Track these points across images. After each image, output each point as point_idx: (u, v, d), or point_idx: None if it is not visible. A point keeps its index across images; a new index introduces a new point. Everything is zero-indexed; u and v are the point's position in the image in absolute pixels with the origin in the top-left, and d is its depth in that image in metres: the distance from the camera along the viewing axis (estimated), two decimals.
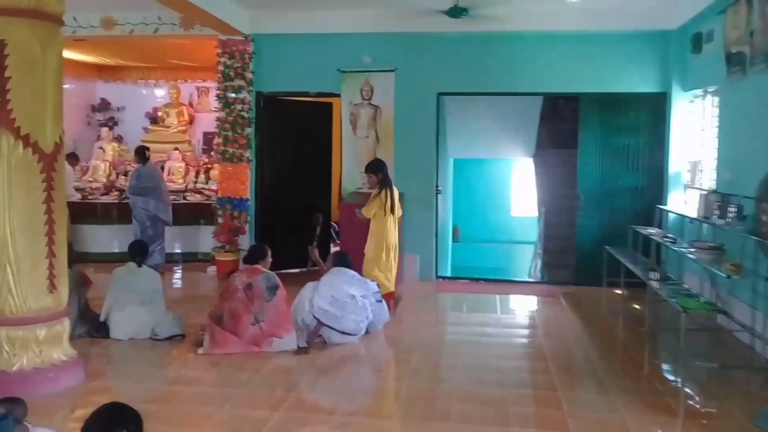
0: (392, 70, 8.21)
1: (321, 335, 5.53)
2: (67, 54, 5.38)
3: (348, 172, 8.45)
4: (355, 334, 5.61)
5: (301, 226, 8.55)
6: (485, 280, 8.75)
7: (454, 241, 13.30)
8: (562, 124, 10.11)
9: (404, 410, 4.25)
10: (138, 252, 5.97)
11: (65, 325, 4.62)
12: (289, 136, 8.87)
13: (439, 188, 8.61)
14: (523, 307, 7.61)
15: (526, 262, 12.10)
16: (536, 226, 11.94)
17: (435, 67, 8.24)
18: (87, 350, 5.17)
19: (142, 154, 8.68)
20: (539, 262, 10.95)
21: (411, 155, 8.24)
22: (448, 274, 9.51)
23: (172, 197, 9.17)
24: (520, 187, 14.83)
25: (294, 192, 8.85)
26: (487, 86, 8.29)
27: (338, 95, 8.45)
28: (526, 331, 6.53)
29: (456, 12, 7.46)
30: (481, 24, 7.81)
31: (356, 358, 5.41)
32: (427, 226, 8.36)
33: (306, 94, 8.75)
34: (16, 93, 4.28)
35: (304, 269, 7.69)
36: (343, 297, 5.52)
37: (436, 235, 8.51)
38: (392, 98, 8.25)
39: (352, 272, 5.82)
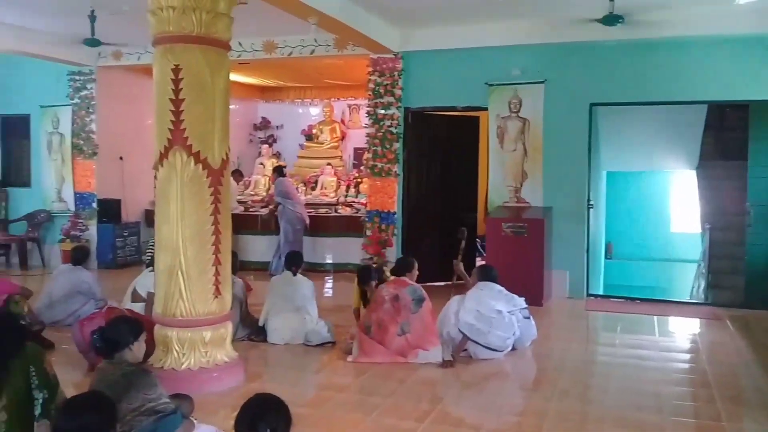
0: (542, 82, 8.04)
1: (466, 350, 5.50)
2: (233, 77, 5.85)
3: (494, 185, 8.36)
4: (501, 350, 5.52)
5: (447, 240, 8.58)
6: (641, 299, 8.27)
7: (607, 257, 12.69)
8: (730, 133, 9.37)
9: (552, 431, 4.11)
10: (294, 261, 6.29)
11: (228, 329, 4.94)
12: (436, 151, 8.97)
13: (591, 202, 8.28)
14: (683, 329, 7.10)
15: (687, 282, 11.25)
16: (699, 244, 11.09)
17: (587, 77, 7.96)
18: (247, 353, 5.51)
19: (280, 171, 9.76)
20: (703, 282, 10.15)
21: (561, 168, 8.00)
22: (600, 292, 9.08)
23: (323, 210, 9.64)
24: (680, 202, 13.88)
25: (440, 206, 8.93)
26: (645, 95, 7.85)
27: (485, 109, 8.41)
28: (687, 356, 6.08)
29: (611, 20, 7.14)
30: (638, 31, 7.42)
31: (502, 375, 5.32)
32: (578, 242, 8.06)
33: (453, 109, 8.79)
34: (188, 114, 4.64)
35: (450, 283, 7.69)
36: (489, 312, 5.45)
37: (587, 251, 8.18)
38: (541, 110, 8.07)
39: (499, 287, 5.73)
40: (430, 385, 4.93)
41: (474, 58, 8.35)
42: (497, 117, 8.30)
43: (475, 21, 8.02)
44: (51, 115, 10.45)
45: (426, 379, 5.02)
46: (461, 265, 6.36)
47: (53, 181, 10.56)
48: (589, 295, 8.17)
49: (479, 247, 9.99)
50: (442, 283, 8.19)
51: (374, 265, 7.11)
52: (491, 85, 8.26)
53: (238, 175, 10.60)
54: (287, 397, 2.51)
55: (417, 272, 5.74)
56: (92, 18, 7.46)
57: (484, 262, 7.55)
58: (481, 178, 9.20)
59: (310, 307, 6.03)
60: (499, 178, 8.30)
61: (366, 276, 6.14)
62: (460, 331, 5.43)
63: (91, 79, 10.13)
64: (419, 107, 8.77)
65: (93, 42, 7.86)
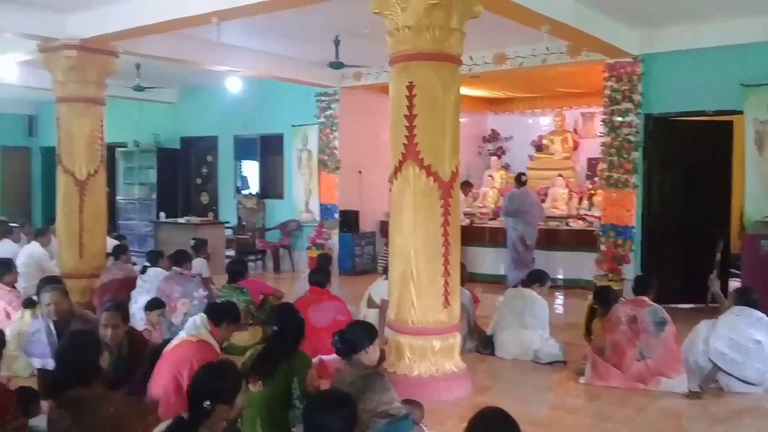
0: None
1: (717, 381, 4.93)
2: (463, 90, 5.92)
3: (752, 198, 7.42)
4: (759, 385, 4.86)
5: (692, 258, 7.82)
6: None
7: None
8: None
9: None
10: (535, 280, 6.19)
11: (457, 339, 5.00)
12: (681, 160, 8.21)
13: None
14: None
15: None
16: None
17: None
18: (474, 365, 5.51)
19: (518, 178, 9.36)
20: None
21: None
22: None
23: (554, 223, 9.30)
24: None
25: (685, 219, 8.14)
26: None
27: (740, 112, 7.52)
28: None
29: None
30: None
31: (759, 412, 4.67)
32: None
33: (702, 114, 7.99)
34: (421, 129, 4.80)
35: (699, 305, 6.99)
36: (746, 341, 4.82)
37: None
38: None
39: (759, 313, 5.04)
40: (673, 417, 4.51)
41: (726, 57, 7.53)
42: (755, 121, 7.36)
43: (725, 16, 7.25)
44: (301, 134, 11.51)
45: (669, 410, 4.60)
46: (718, 283, 5.72)
47: (302, 193, 11.61)
48: None
49: (733, 267, 8.94)
50: (687, 305, 7.46)
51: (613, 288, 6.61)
52: (747, 86, 7.37)
53: (467, 186, 10.70)
54: (516, 413, 2.44)
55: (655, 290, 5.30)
56: (336, 42, 8.09)
57: (740, 284, 6.73)
58: (736, 189, 8.23)
59: (542, 324, 5.86)
60: (757, 190, 7.35)
61: (604, 297, 5.75)
62: (710, 360, 4.88)
63: (336, 99, 10.96)
64: (662, 113, 8.11)
65: (337, 65, 8.50)
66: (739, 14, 7.18)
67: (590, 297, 6.09)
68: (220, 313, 4.19)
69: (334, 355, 4.93)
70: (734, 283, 7.61)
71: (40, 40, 7.42)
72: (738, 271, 7.49)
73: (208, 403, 2.57)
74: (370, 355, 3.59)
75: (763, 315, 5.05)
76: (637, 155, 8.15)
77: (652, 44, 7.96)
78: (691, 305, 7.53)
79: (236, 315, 4.33)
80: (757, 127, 7.37)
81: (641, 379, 4.92)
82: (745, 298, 5.17)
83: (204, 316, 4.14)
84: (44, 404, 3.45)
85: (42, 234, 8.33)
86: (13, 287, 6.04)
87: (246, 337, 5.61)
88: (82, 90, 7.52)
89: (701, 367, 4.94)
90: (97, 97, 7.70)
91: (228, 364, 2.90)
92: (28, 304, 5.23)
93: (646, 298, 5.18)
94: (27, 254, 7.71)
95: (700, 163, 8.18)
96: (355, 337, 3.61)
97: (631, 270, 7.95)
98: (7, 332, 4.65)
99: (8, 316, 5.60)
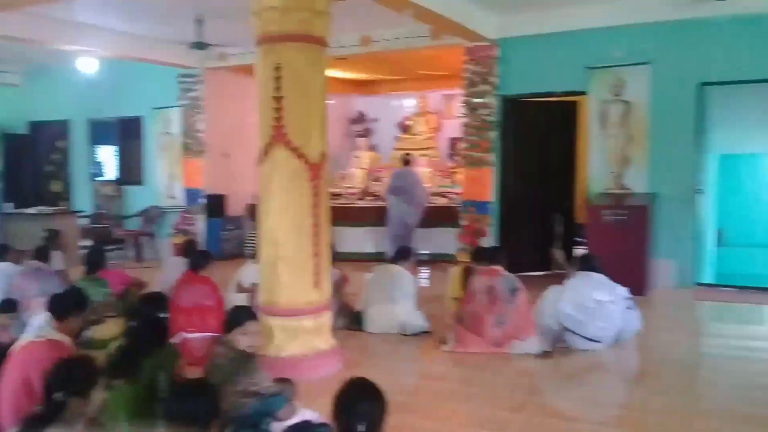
0: (646, 63, 7.70)
1: (565, 340, 5.41)
2: (330, 72, 5.97)
3: (595, 172, 8.10)
4: (601, 342, 5.38)
5: (544, 229, 8.44)
6: (754, 288, 7.79)
7: (718, 245, 12.02)
8: None
9: (658, 426, 3.96)
10: (402, 256, 6.42)
11: (328, 318, 5.10)
12: (532, 139, 8.79)
13: (699, 187, 7.87)
14: None
15: None
16: None
17: (697, 56, 7.52)
18: (345, 342, 5.64)
19: (403, 159, 9.74)
20: None
21: (667, 152, 7.64)
22: (710, 281, 8.63)
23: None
24: None
25: (537, 194, 8.76)
26: (762, 72, 7.35)
27: (585, 93, 8.16)
28: None
29: None
30: (752, 3, 6.96)
31: (603, 367, 5.19)
32: (685, 229, 7.67)
33: (551, 95, 8.59)
34: (289, 111, 4.81)
35: (548, 272, 7.56)
36: (589, 302, 5.32)
37: (695, 239, 7.79)
38: (646, 93, 7.72)
39: (600, 276, 5.57)
40: (527, 376, 4.90)
41: (573, 41, 8.11)
42: (598, 101, 8.04)
43: (573, 3, 7.77)
44: (162, 117, 11.08)
45: (523, 370, 4.98)
46: (560, 253, 6.23)
47: (164, 178, 11.21)
48: (697, 284, 7.78)
49: (579, 235, 9.74)
50: (540, 273, 8.05)
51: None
52: (592, 68, 8.00)
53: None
54: (384, 384, 2.57)
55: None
56: (199, 22, 7.85)
57: (584, 251, 7.37)
58: (580, 165, 8.95)
59: (409, 297, 6.10)
60: (599, 165, 8.05)
61: (486, 254, 5.97)
62: (558, 321, 5.34)
63: (200, 80, 10.64)
64: (515, 95, 8.62)
65: (200, 45, 8.27)
66: (585, 2, 7.71)
67: (454, 267, 6.40)
68: (61, 306, 3.87)
69: (198, 334, 4.95)
70: (581, 251, 8.29)
71: None
72: (584, 240, 8.17)
73: (59, 395, 2.53)
74: (249, 337, 3.62)
75: (603, 277, 5.58)
76: (493, 135, 8.61)
77: (507, 29, 8.38)
78: (542, 273, 8.13)
79: (79, 302, 4.03)
80: (600, 106, 8.03)
81: (498, 344, 5.28)
82: (588, 264, 5.71)
83: (47, 313, 3.82)
84: None
85: None
86: None
87: (107, 330, 5.35)
88: None
89: (551, 328, 5.39)
90: None
91: (82, 358, 2.85)
92: None
93: (499, 268, 5.53)
94: None
95: (550, 141, 8.80)
96: (233, 317, 3.66)
97: (488, 243, 8.41)
98: None
99: None
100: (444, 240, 9.63)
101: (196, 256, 5.83)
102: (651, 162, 7.66)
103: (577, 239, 9.46)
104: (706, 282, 8.21)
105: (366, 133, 13.07)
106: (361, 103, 13.36)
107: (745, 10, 7.04)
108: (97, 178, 12.15)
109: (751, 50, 7.29)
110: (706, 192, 8.81)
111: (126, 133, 11.79)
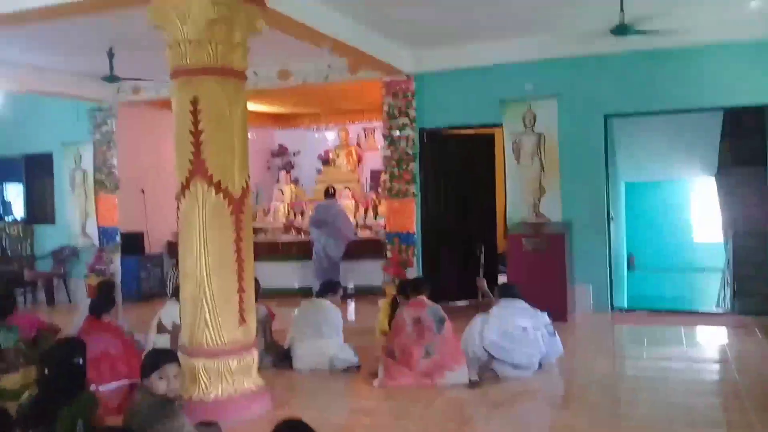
0: (555, 96, 8.06)
1: (493, 369, 5.47)
2: (249, 106, 5.90)
3: (513, 202, 8.34)
4: (528, 368, 5.48)
5: (467, 259, 8.58)
6: (666, 311, 8.17)
7: (629, 269, 12.58)
8: (748, 139, 9.28)
9: None
10: (328, 289, 6.35)
11: (254, 356, 4.96)
12: (452, 170, 8.99)
13: (611, 214, 8.24)
14: (711, 339, 7.01)
15: (712, 292, 11.13)
16: (722, 252, 10.97)
17: (601, 88, 7.97)
18: (273, 380, 5.50)
19: (326, 191, 9.83)
20: (728, 291, 10.02)
21: (579, 181, 7.98)
22: (624, 305, 9.01)
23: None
24: (701, 210, 13.75)
25: (459, 224, 8.94)
26: (660, 104, 7.84)
27: (500, 125, 8.43)
28: (716, 366, 6.00)
29: (623, 30, 7.12)
30: (650, 40, 7.40)
31: (530, 393, 5.27)
32: (600, 255, 8.01)
33: (468, 127, 8.83)
34: (208, 144, 4.69)
35: (473, 300, 7.67)
36: (514, 329, 5.42)
37: (610, 264, 8.13)
38: (556, 124, 8.06)
39: (522, 303, 5.71)
40: (458, 406, 4.91)
41: (486, 75, 8.40)
42: (512, 133, 8.31)
43: (485, 39, 8.07)
44: (73, 152, 10.62)
45: (454, 401, 5.00)
46: (484, 282, 6.34)
47: (77, 216, 10.71)
48: (614, 308, 8.09)
49: (502, 264, 9.97)
50: (464, 302, 8.16)
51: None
52: (504, 101, 8.29)
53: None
54: (316, 423, 2.52)
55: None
56: (110, 54, 7.63)
57: (505, 280, 7.53)
58: (499, 195, 9.20)
59: (336, 332, 6.04)
60: (516, 195, 8.29)
61: (410, 286, 5.96)
62: (485, 349, 5.41)
63: (112, 114, 10.31)
64: (434, 127, 8.81)
65: (112, 78, 8.02)
66: (496, 38, 8.02)
67: (382, 300, 6.40)
68: None
69: (111, 384, 4.71)
70: (503, 279, 8.47)
71: None
72: (505, 268, 8.35)
73: None
74: (167, 381, 3.43)
75: (525, 304, 5.71)
76: (415, 166, 8.74)
77: (422, 63, 8.61)
78: (466, 302, 8.26)
79: None
80: (514, 138, 8.29)
81: (428, 375, 5.28)
82: (509, 291, 5.84)
83: None
84: None
85: None
86: None
87: (18, 379, 5.03)
88: None
89: (478, 357, 5.43)
90: None
91: None
92: None
93: (425, 299, 5.58)
94: None
95: (469, 173, 9.02)
96: (149, 361, 3.48)
97: (414, 273, 8.48)
98: None
99: None
100: (370, 272, 9.62)
101: (96, 301, 5.57)
102: (564, 191, 7.96)
103: (500, 268, 9.69)
104: (621, 306, 8.55)
105: (288, 167, 13.00)
106: (282, 137, 13.33)
107: (640, 46, 7.49)
108: (3, 218, 11.48)
109: (647, 84, 7.78)
110: (617, 219, 9.23)
111: (34, 170, 11.26)
